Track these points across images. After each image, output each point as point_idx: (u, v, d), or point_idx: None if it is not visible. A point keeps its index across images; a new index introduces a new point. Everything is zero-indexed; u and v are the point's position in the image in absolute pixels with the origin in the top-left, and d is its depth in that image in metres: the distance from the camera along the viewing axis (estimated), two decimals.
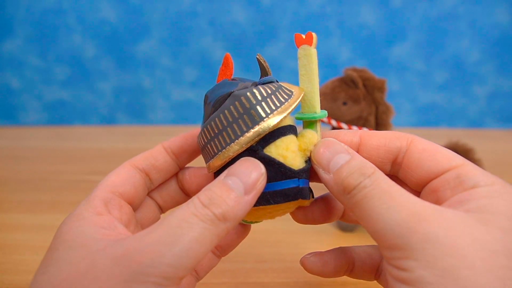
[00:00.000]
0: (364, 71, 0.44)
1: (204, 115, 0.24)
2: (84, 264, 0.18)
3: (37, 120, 0.80)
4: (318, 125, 0.24)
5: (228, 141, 0.22)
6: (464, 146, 0.47)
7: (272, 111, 0.22)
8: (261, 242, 0.40)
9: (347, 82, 0.43)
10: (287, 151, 0.22)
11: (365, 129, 0.36)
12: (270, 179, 0.22)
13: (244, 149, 0.22)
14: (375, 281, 0.26)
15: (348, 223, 0.42)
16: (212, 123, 0.22)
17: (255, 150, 0.22)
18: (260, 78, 0.25)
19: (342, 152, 0.22)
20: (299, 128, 0.24)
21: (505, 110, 0.82)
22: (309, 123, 0.25)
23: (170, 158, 0.26)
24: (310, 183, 0.24)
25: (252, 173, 0.20)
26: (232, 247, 0.28)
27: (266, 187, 0.21)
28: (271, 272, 0.36)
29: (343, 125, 0.42)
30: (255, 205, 0.21)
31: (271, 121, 0.22)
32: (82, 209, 0.22)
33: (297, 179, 0.22)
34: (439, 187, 0.21)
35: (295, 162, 0.22)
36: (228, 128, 0.22)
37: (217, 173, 0.23)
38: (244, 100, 0.22)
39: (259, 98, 0.22)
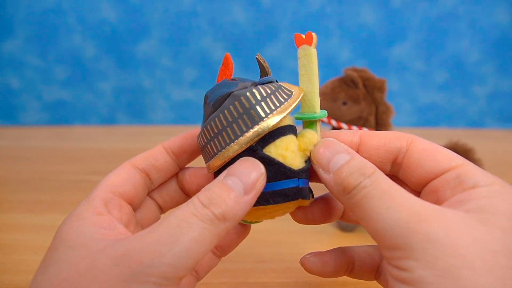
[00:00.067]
0: (364, 71, 0.44)
1: (204, 115, 0.24)
2: (84, 264, 0.18)
3: (37, 120, 0.80)
4: (318, 125, 0.24)
5: (227, 141, 0.22)
6: (464, 146, 0.47)
7: (271, 111, 0.22)
8: (261, 242, 0.40)
9: (347, 82, 0.43)
10: (286, 151, 0.22)
11: (365, 129, 0.36)
12: (269, 179, 0.22)
13: (244, 149, 0.22)
14: (375, 281, 0.26)
15: (348, 223, 0.42)
16: (212, 123, 0.22)
17: (255, 150, 0.22)
18: (260, 78, 0.25)
19: (342, 152, 0.22)
20: (298, 128, 0.24)
21: (505, 110, 0.82)
22: (309, 123, 0.24)
23: (170, 158, 0.26)
24: (310, 183, 0.24)
25: (251, 173, 0.20)
26: (232, 247, 0.28)
27: (265, 187, 0.21)
28: (271, 272, 0.36)
29: (343, 125, 0.42)
30: (254, 205, 0.21)
31: (271, 121, 0.21)
32: (82, 209, 0.22)
33: (296, 179, 0.22)
34: (439, 187, 0.21)
35: (295, 162, 0.22)
36: (228, 128, 0.22)
37: (217, 173, 0.23)
38: (243, 100, 0.22)
39: (259, 98, 0.22)
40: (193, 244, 0.18)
